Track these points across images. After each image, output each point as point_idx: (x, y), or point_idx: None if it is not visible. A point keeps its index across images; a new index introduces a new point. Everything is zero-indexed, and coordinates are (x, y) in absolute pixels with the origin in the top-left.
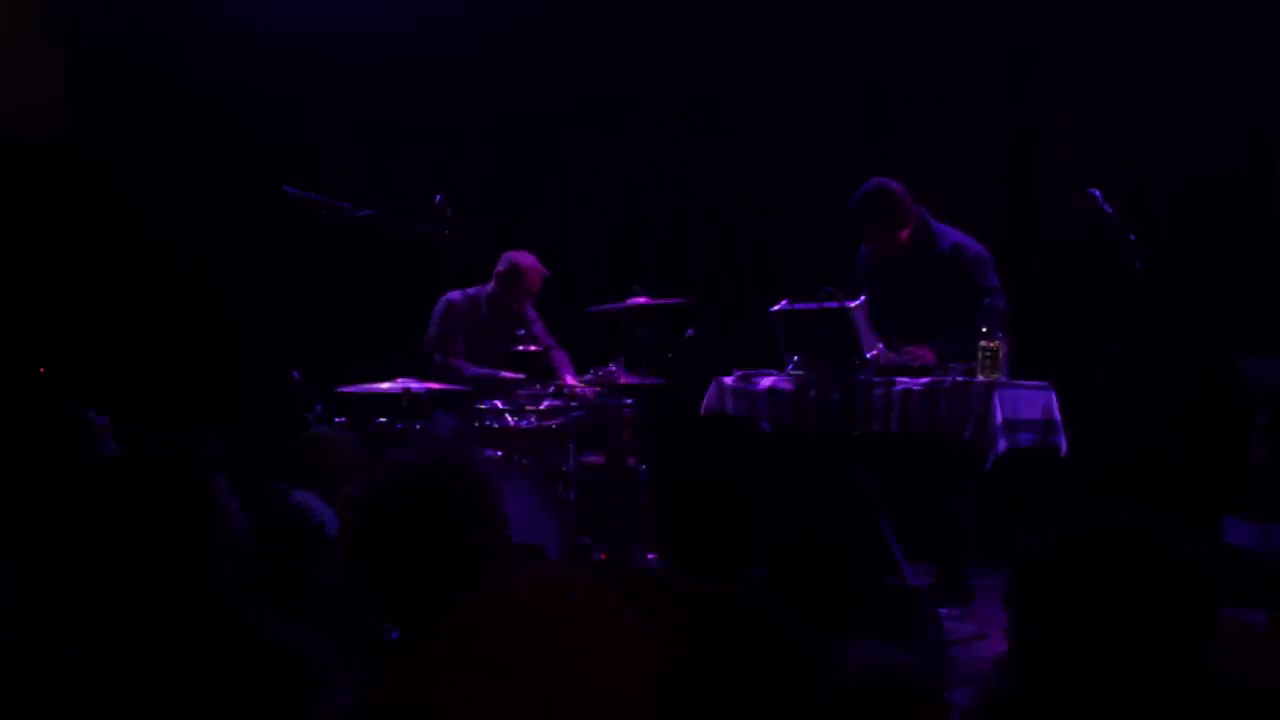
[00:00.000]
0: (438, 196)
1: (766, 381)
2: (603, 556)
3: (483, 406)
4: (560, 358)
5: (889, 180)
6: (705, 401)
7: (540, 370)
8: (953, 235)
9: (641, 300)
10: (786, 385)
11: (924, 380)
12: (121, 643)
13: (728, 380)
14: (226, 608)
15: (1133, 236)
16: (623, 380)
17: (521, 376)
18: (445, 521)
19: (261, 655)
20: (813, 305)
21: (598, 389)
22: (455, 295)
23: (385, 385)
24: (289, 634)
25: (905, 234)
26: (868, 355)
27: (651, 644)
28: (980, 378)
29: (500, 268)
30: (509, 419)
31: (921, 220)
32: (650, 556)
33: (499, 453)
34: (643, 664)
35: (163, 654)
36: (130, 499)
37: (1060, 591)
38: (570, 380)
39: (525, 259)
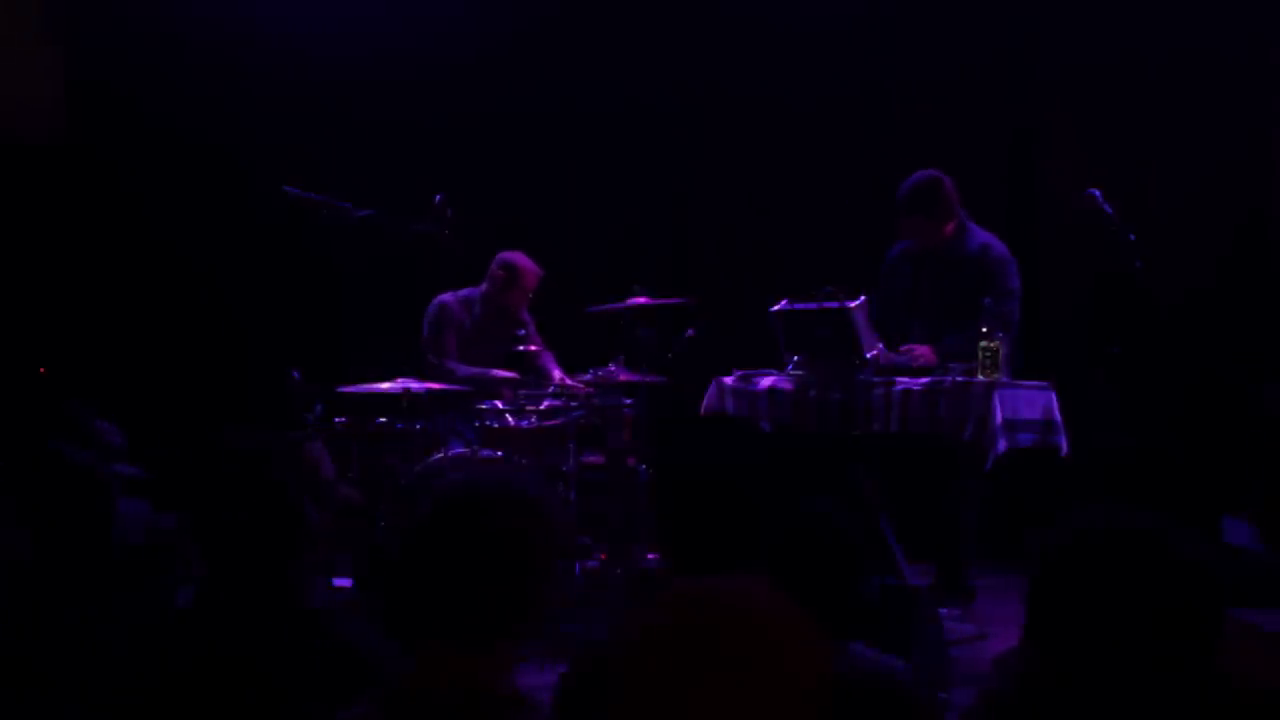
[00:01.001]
0: (438, 196)
1: (766, 381)
2: (603, 556)
3: (483, 407)
4: (548, 358)
5: (939, 173)
6: (705, 401)
7: (531, 370)
8: (982, 235)
9: (641, 300)
10: (786, 385)
11: (924, 380)
12: (194, 626)
13: (728, 380)
14: (297, 601)
15: (1133, 236)
16: (623, 377)
17: (514, 376)
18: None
19: (321, 647)
20: (813, 305)
21: (598, 389)
22: (447, 297)
23: (385, 385)
24: (351, 630)
25: (949, 228)
26: (868, 355)
27: (827, 652)
28: (980, 378)
29: (496, 269)
30: (509, 419)
31: (962, 220)
32: (650, 556)
33: (499, 453)
34: (816, 674)
35: (233, 638)
36: (219, 493)
37: (1070, 593)
38: (564, 379)
39: (521, 259)
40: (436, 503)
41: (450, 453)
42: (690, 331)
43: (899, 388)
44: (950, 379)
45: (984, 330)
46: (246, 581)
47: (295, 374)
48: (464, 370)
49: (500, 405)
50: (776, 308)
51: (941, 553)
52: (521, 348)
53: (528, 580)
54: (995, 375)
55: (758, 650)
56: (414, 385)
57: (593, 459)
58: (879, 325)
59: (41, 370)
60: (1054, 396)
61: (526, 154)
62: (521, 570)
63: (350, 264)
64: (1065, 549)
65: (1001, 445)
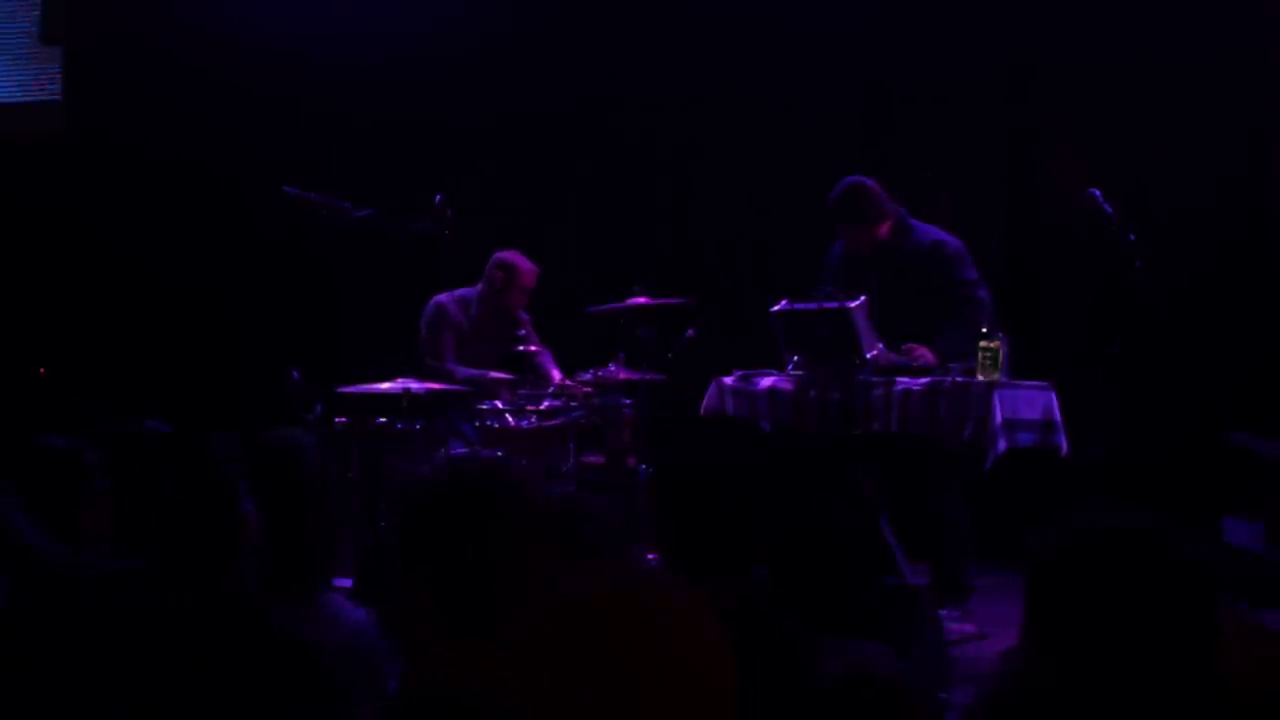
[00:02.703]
0: (438, 196)
1: (766, 382)
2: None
3: (483, 407)
4: (546, 357)
5: (863, 177)
6: (705, 401)
7: (529, 370)
8: (932, 232)
9: (641, 300)
10: (786, 385)
11: (924, 380)
12: (142, 631)
13: (728, 380)
14: (250, 606)
15: (1133, 236)
16: (623, 377)
17: (511, 377)
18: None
19: (280, 654)
20: (813, 305)
21: (597, 389)
22: (444, 298)
23: (385, 385)
24: (310, 635)
25: (885, 229)
26: (868, 355)
27: (730, 660)
28: (980, 378)
29: (493, 269)
30: (509, 419)
31: (899, 218)
32: (650, 556)
33: (499, 453)
34: (720, 680)
35: (184, 646)
36: (157, 497)
37: (1069, 592)
38: (560, 378)
39: (518, 259)
40: (406, 499)
41: (450, 453)
42: (690, 331)
43: (899, 388)
44: (950, 379)
45: (978, 323)
46: (184, 577)
47: (295, 374)
48: (463, 372)
49: (500, 405)
50: (776, 308)
51: (936, 552)
52: (520, 348)
53: (516, 558)
54: (995, 375)
55: (656, 650)
56: (414, 385)
57: (593, 459)
58: None
59: (41, 371)
60: (1054, 396)
61: (526, 154)
62: (507, 549)
63: (350, 264)
64: (1064, 549)
65: (1001, 445)
